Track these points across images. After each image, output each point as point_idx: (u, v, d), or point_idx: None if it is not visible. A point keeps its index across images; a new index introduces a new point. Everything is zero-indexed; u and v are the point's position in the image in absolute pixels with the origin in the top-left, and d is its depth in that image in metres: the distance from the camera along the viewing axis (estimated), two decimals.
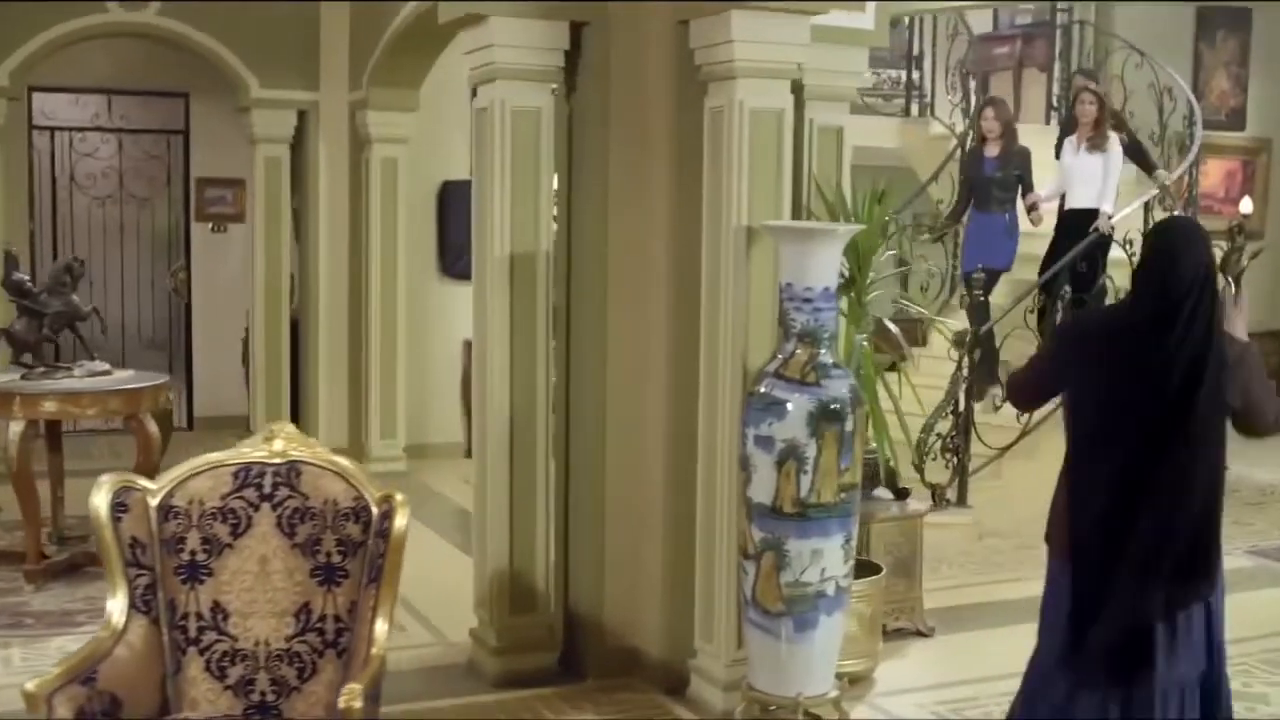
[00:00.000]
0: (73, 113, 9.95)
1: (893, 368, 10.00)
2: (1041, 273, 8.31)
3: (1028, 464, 7.98)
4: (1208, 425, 3.30)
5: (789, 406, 4.29)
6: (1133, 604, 3.28)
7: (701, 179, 4.73)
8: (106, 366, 6.62)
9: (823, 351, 4.36)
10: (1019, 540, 7.49)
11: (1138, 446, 3.28)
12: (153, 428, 6.41)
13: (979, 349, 7.77)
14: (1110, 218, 8.25)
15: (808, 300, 4.33)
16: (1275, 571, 6.80)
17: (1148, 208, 8.44)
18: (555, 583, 5.25)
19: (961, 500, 7.69)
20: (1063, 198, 8.64)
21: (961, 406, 7.65)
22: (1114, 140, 8.42)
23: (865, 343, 5.16)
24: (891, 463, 5.45)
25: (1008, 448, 7.92)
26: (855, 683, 5.11)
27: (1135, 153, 8.98)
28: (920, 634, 5.76)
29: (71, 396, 6.26)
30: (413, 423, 8.86)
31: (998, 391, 8.10)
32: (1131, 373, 3.29)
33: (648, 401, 5.05)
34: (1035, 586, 6.46)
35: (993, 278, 8.32)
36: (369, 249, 8.69)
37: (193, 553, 3.49)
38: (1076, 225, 8.34)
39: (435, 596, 5.96)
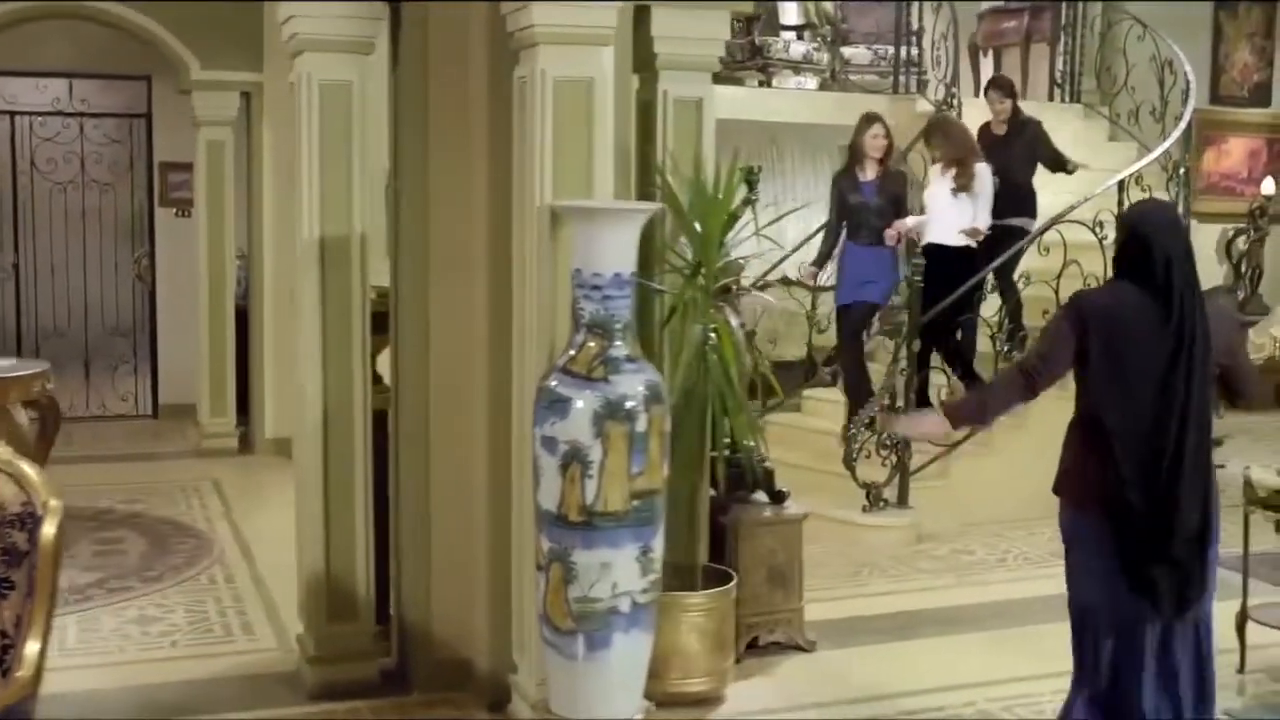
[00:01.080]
0: (33, 97, 9.84)
1: None
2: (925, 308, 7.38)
3: (980, 461, 7.49)
4: (1207, 380, 3.70)
5: (574, 405, 3.91)
6: (1188, 540, 3.66)
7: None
8: None
9: (616, 344, 3.97)
10: (958, 545, 7.04)
11: (1157, 406, 3.64)
12: (22, 418, 6.20)
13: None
14: (982, 233, 7.48)
15: (596, 288, 3.95)
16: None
17: (1122, 187, 7.84)
18: (394, 588, 4.93)
19: (902, 501, 7.22)
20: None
21: (900, 400, 7.18)
22: (980, 178, 7.52)
23: (714, 334, 4.75)
24: (741, 460, 5.00)
25: (956, 445, 7.42)
26: (699, 704, 4.74)
27: (1052, 161, 8.27)
28: (800, 649, 5.34)
29: None
30: None
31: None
32: (1137, 342, 3.66)
33: (472, 396, 4.69)
34: (955, 596, 6.20)
35: (868, 311, 7.60)
36: None
37: None
38: (943, 259, 7.45)
39: None
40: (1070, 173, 8.25)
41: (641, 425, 3.93)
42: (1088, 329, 3.73)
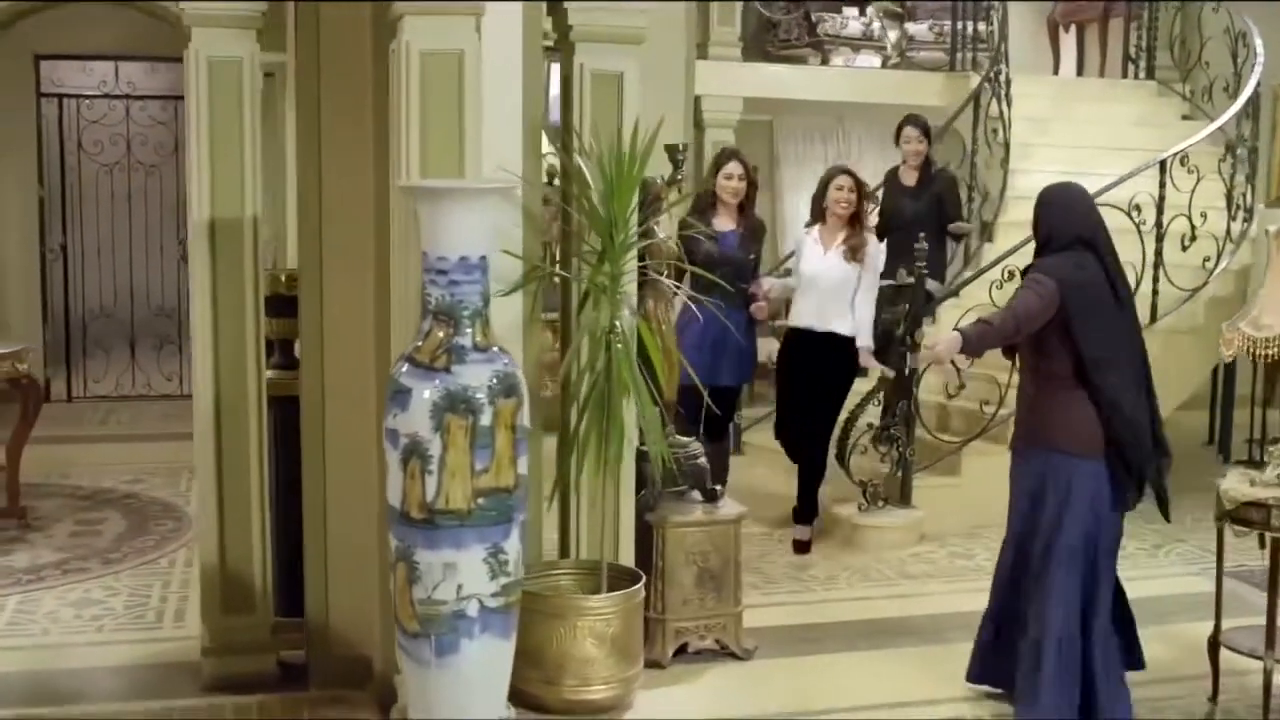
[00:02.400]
0: (80, 79, 10.00)
1: None
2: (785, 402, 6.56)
3: (993, 459, 6.95)
4: None
5: (414, 396, 3.69)
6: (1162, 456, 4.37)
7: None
8: None
9: (463, 332, 3.73)
10: (958, 548, 6.64)
11: (1130, 349, 4.33)
12: None
13: None
14: (872, 353, 6.40)
15: (442, 272, 3.71)
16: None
17: (1164, 168, 7.28)
18: (315, 584, 4.77)
19: (905, 500, 6.83)
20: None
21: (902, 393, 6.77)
22: (874, 246, 6.33)
23: (619, 325, 4.48)
24: (657, 460, 4.69)
25: (967, 441, 7.00)
26: (599, 713, 4.48)
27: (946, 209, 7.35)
28: (735, 656, 5.04)
29: None
30: None
31: None
32: (1110, 302, 4.27)
33: (365, 385, 4.52)
34: (934, 604, 5.81)
35: (725, 395, 6.12)
36: None
37: None
38: (810, 346, 6.29)
39: None
40: (955, 238, 7.43)
41: (486, 419, 3.69)
42: (1066, 302, 4.22)
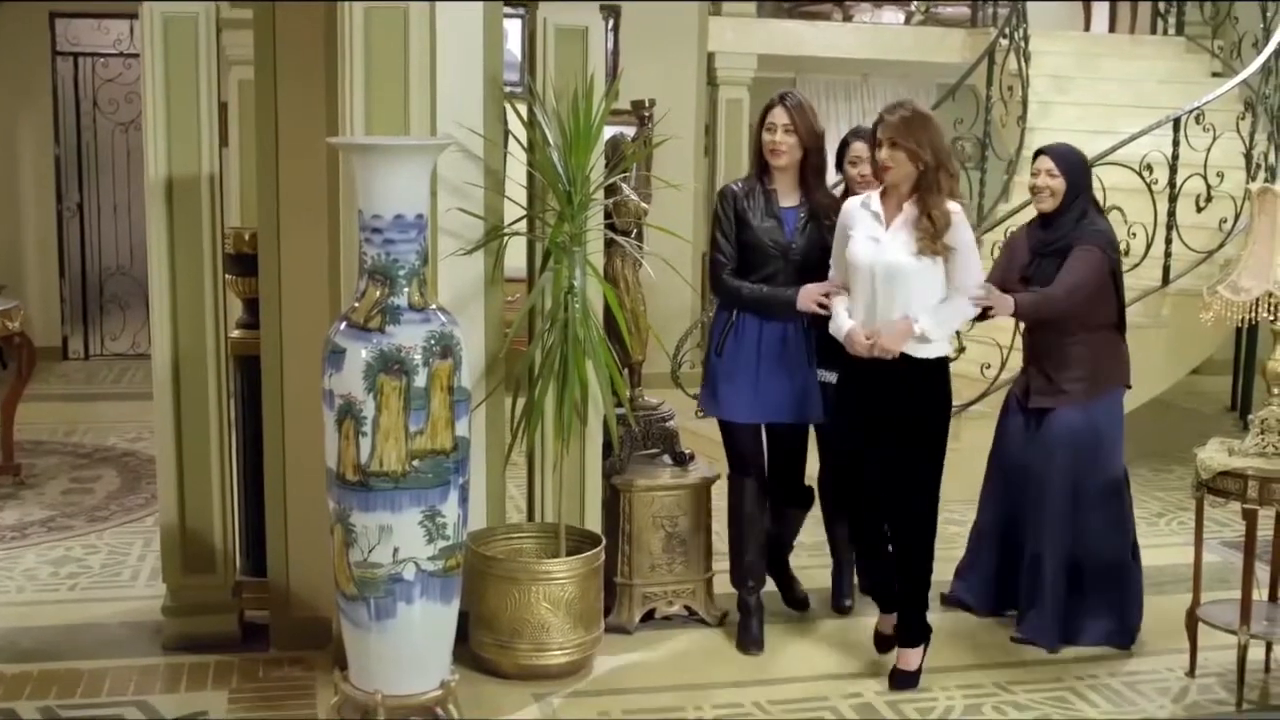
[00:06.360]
0: (95, 38, 9.96)
1: None
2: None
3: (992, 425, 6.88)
4: None
5: (347, 356, 3.64)
6: None
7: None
8: None
9: (399, 292, 3.67)
10: (955, 515, 6.47)
11: None
12: None
13: None
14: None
15: (377, 230, 3.65)
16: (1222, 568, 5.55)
17: (1178, 126, 7.05)
18: (275, 544, 4.74)
19: None
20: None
21: None
22: (958, 224, 4.26)
23: (576, 284, 4.39)
24: (608, 423, 4.61)
25: (967, 405, 6.84)
26: (553, 679, 4.43)
27: None
28: (704, 623, 4.96)
29: None
30: None
31: None
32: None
33: (320, 345, 4.46)
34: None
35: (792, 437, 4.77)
36: None
37: None
38: (884, 377, 4.30)
39: None
40: None
41: (420, 380, 3.63)
42: (1114, 267, 4.77)
